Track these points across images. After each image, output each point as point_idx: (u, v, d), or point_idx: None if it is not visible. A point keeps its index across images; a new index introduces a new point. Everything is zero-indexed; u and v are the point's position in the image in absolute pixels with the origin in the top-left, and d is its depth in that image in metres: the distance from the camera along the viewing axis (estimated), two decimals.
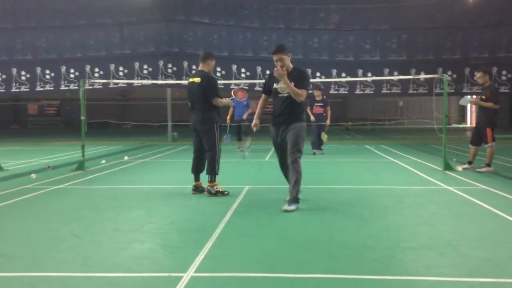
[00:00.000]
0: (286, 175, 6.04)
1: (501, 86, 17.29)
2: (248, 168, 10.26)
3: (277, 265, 3.72)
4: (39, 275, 3.56)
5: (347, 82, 17.83)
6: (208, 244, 4.28)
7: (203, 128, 6.73)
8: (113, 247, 4.23)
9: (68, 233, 4.71)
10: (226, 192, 6.74)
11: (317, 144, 13.19)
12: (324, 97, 13.50)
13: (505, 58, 17.61)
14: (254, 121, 6.27)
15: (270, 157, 12.57)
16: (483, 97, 9.16)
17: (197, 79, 6.75)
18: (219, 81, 7.77)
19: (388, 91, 18.25)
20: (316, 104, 13.04)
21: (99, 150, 14.86)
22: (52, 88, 18.53)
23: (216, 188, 6.75)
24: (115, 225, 5.08)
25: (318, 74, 18.13)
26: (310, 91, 15.84)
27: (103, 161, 11.28)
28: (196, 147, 6.95)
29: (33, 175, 8.73)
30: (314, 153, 12.90)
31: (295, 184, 5.73)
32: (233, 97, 8.04)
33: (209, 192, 6.74)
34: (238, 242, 4.41)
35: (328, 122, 13.14)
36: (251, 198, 6.67)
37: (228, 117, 13.84)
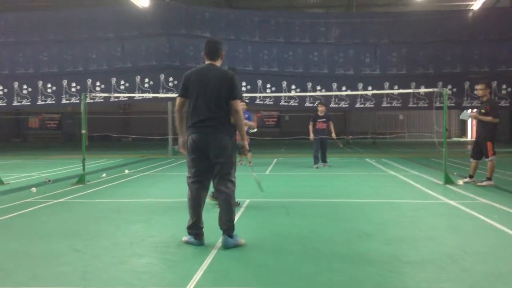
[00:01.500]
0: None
1: (501, 100, 17.34)
2: (249, 181, 10.24)
3: (277, 279, 3.71)
4: None
5: (348, 95, 17.89)
6: (208, 258, 4.27)
7: None
8: (113, 261, 4.22)
9: (68, 247, 4.70)
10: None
11: (321, 158, 13.27)
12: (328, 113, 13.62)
13: (505, 72, 17.68)
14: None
15: (271, 170, 12.57)
16: (483, 111, 9.16)
17: None
18: None
19: (388, 105, 18.31)
20: (319, 120, 13.10)
21: (100, 164, 14.86)
22: (53, 102, 18.61)
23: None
24: (115, 239, 5.07)
25: (318, 87, 18.19)
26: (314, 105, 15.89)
27: (104, 175, 11.28)
28: None
29: (34, 189, 8.73)
30: (317, 167, 12.90)
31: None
32: None
33: None
34: (238, 256, 4.39)
35: (334, 135, 13.23)
36: (252, 211, 6.67)
37: None
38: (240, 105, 4.79)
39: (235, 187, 4.87)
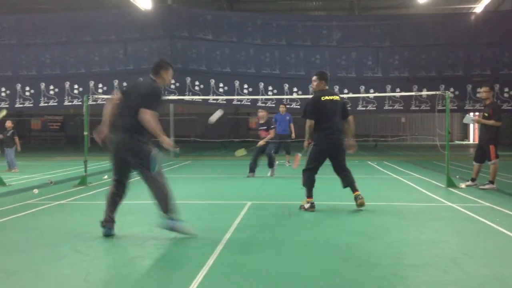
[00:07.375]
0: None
1: (504, 103, 17.31)
2: (250, 183, 10.24)
3: (280, 282, 3.70)
4: None
5: (349, 98, 17.86)
6: (210, 261, 4.26)
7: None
8: (115, 263, 4.21)
9: (70, 249, 4.70)
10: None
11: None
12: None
13: (508, 75, 17.66)
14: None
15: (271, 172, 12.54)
16: (486, 114, 9.16)
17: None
18: (222, 97, 7.79)
19: (390, 108, 18.29)
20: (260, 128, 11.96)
21: (102, 165, 14.86)
22: (56, 104, 18.65)
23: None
24: (117, 240, 5.06)
25: None
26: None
27: (105, 176, 11.28)
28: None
29: (36, 191, 8.74)
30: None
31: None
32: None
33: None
34: (240, 259, 4.38)
35: (261, 142, 11.63)
36: (253, 213, 6.66)
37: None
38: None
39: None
